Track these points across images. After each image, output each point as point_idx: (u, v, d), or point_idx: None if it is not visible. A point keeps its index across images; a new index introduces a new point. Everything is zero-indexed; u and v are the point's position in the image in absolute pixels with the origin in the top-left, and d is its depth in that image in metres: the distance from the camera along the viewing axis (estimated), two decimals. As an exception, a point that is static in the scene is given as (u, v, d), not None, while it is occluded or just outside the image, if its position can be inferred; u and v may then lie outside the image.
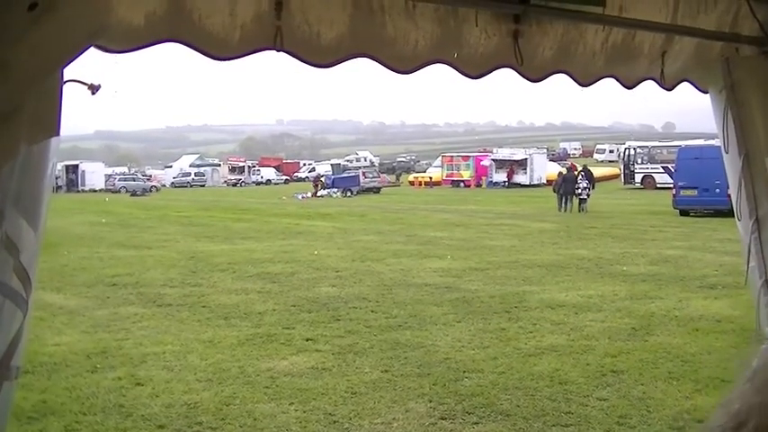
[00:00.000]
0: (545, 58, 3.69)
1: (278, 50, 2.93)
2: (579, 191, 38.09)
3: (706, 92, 4.51)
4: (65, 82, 2.43)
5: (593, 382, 8.95)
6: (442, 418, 7.76)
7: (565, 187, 38.64)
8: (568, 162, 76.51)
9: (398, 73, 3.34)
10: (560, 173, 42.33)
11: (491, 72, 3.56)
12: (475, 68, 3.53)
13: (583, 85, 3.88)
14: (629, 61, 4.00)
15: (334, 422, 7.68)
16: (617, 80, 4.01)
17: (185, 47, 2.79)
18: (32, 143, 2.35)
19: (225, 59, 2.90)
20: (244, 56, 2.95)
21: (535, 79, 3.72)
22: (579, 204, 37.69)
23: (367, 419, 7.74)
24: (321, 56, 3.13)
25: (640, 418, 7.75)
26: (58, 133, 2.44)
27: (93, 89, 2.56)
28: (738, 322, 11.82)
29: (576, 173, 40.57)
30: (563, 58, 3.74)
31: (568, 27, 3.71)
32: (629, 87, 4.09)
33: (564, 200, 38.29)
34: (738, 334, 11.15)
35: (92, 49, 2.50)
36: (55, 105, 2.41)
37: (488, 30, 3.47)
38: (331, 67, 3.15)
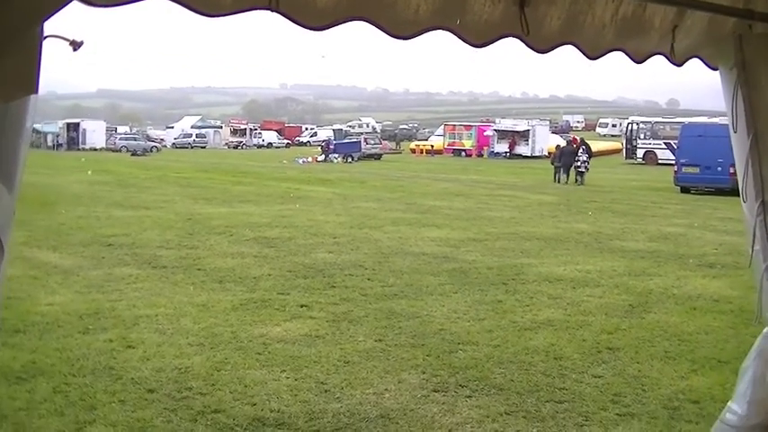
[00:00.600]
0: (552, 28, 3.54)
1: (272, 11, 2.78)
2: (578, 164, 38.64)
3: (716, 69, 4.38)
4: (45, 37, 2.29)
5: (589, 358, 8.87)
6: (435, 391, 7.68)
7: (563, 160, 39.50)
8: (570, 135, 76.49)
9: (397, 38, 3.17)
10: (558, 145, 43.74)
11: (495, 41, 3.41)
12: (478, 37, 3.38)
13: (591, 58, 3.74)
14: (639, 35, 3.85)
15: (326, 391, 7.60)
16: (626, 54, 3.87)
17: (174, 3, 2.63)
18: (9, 100, 2.22)
19: (215, 17, 2.74)
20: (236, 14, 2.77)
21: (542, 50, 3.57)
22: (577, 177, 38.31)
23: (359, 389, 7.66)
24: (316, 18, 2.95)
25: (635, 397, 7.67)
26: (35, 91, 2.30)
27: (75, 45, 2.41)
28: (737, 303, 11.75)
29: (575, 146, 41.18)
30: (571, 30, 3.59)
31: (576, -4, 3.57)
32: (638, 62, 3.95)
33: (561, 171, 39.13)
34: (737, 315, 11.06)
35: (74, 3, 2.36)
36: (34, 62, 2.27)
37: (493, -4, 3.32)
38: (326, 29, 2.98)
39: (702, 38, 4.15)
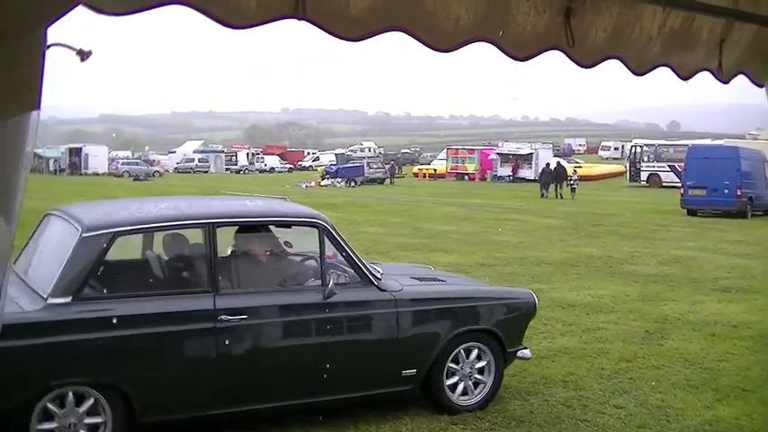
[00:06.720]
0: (597, 40, 3.28)
1: (299, 19, 2.51)
2: (572, 182, 47.00)
3: (761, 85, 4.13)
4: (48, 46, 2.01)
5: (609, 388, 8.59)
6: (453, 423, 7.40)
7: (543, 178, 48.26)
8: (573, 157, 76.88)
9: (437, 51, 2.91)
10: (543, 167, 50.69)
11: (539, 54, 3.15)
12: (521, 49, 3.11)
13: (637, 74, 3.49)
14: (686, 49, 3.60)
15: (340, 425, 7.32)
16: (672, 70, 3.62)
17: (196, 13, 2.35)
18: (6, 118, 1.94)
19: (239, 28, 2.46)
20: (260, 24, 2.49)
21: (586, 65, 3.31)
22: (571, 192, 45.91)
23: (374, 423, 7.38)
24: (349, 27, 2.68)
25: (660, 429, 7.41)
26: (37, 107, 2.02)
27: (83, 55, 2.14)
28: (756, 327, 11.51)
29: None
30: (617, 42, 3.34)
31: (624, 7, 3.30)
32: (685, 78, 3.70)
33: (545, 187, 47.18)
34: (756, 340, 10.82)
35: (81, 18, 2.09)
36: (35, 74, 1.98)
37: (539, 5, 3.05)
38: (361, 40, 2.71)
39: (749, 53, 3.91)
